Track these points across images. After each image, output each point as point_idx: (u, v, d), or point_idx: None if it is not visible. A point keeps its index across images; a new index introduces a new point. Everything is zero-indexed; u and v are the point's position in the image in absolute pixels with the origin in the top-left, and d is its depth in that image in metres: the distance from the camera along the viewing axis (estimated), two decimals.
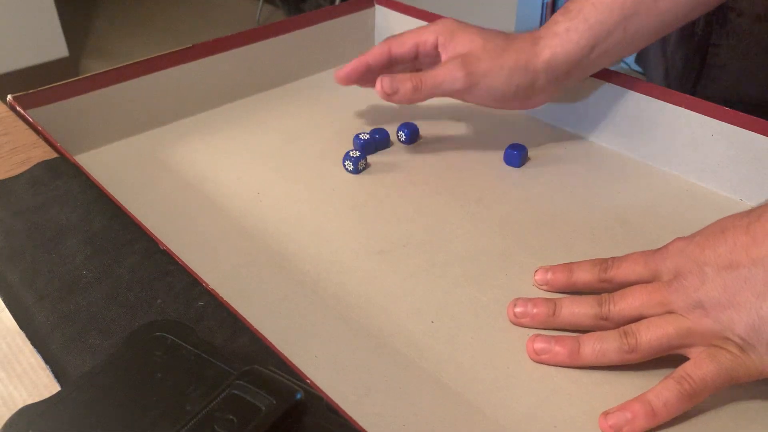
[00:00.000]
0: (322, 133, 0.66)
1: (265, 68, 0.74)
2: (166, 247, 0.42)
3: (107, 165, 0.61)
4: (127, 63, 0.64)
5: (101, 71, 0.63)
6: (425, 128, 0.67)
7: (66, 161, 0.50)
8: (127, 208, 0.46)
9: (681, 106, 0.58)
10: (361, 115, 0.70)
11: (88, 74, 0.63)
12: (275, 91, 0.75)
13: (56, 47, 2.36)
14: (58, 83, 0.61)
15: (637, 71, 2.15)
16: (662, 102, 0.59)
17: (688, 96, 0.57)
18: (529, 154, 0.63)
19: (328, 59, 0.79)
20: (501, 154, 0.63)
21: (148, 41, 2.75)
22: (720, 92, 1.39)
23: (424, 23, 0.76)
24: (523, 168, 0.61)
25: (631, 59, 2.22)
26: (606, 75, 0.62)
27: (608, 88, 0.62)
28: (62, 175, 0.48)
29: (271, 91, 0.75)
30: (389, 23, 0.80)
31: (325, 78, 0.77)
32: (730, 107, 0.56)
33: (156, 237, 0.43)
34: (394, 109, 0.70)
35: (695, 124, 0.57)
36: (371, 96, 0.73)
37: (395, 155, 0.63)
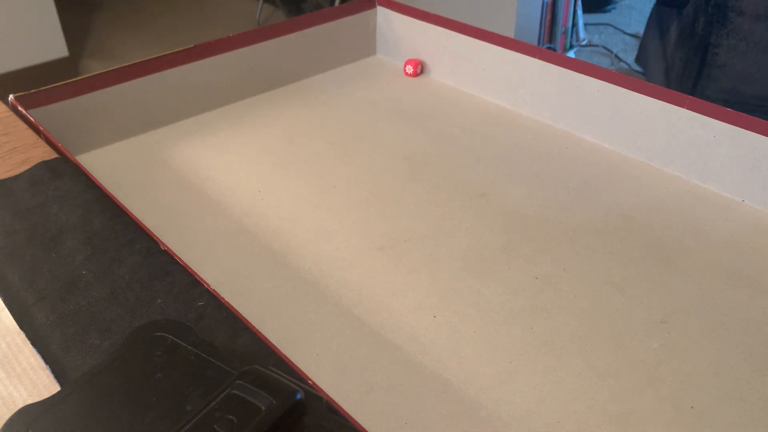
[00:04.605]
0: (323, 133, 0.66)
1: (266, 69, 0.74)
2: (166, 247, 0.42)
3: (108, 165, 0.61)
4: (129, 63, 0.64)
5: (102, 71, 0.63)
6: (428, 125, 0.67)
7: (66, 161, 0.50)
8: (128, 207, 0.45)
9: (683, 106, 0.58)
10: (363, 116, 0.70)
11: (89, 74, 0.62)
12: (277, 91, 0.75)
13: (56, 47, 2.36)
14: (60, 83, 0.61)
15: (637, 71, 2.15)
16: (663, 102, 0.59)
17: (689, 96, 0.57)
18: (530, 153, 0.63)
19: (329, 60, 0.79)
20: (503, 152, 0.62)
21: (148, 41, 2.75)
22: (720, 92, 1.39)
23: (426, 25, 0.77)
24: (524, 165, 0.61)
25: (631, 59, 2.22)
26: (607, 75, 0.62)
27: (609, 88, 0.62)
28: (62, 175, 0.48)
29: (273, 91, 0.75)
30: (391, 24, 0.80)
31: (326, 79, 0.77)
32: (730, 107, 0.56)
33: (156, 237, 0.43)
34: (394, 111, 0.70)
35: (697, 124, 0.57)
36: (373, 97, 0.73)
37: (395, 150, 0.63)
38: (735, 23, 1.43)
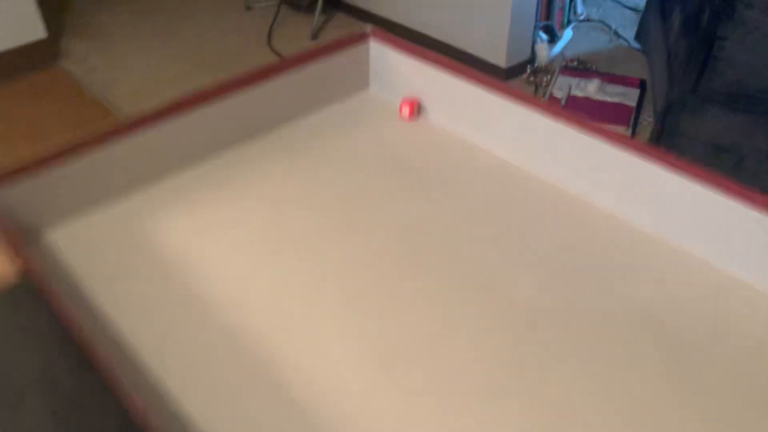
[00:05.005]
0: (314, 200, 0.61)
1: (252, 116, 0.68)
2: (142, 412, 0.37)
3: (77, 245, 0.56)
4: (93, 134, 0.58)
5: (63, 146, 0.57)
6: (427, 185, 0.62)
7: (29, 288, 0.45)
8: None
9: (708, 185, 0.53)
10: (357, 175, 0.64)
11: (53, 150, 0.57)
12: (267, 138, 0.69)
13: (32, 28, 2.25)
14: (21, 164, 0.56)
15: (636, 48, 2.08)
16: (692, 181, 0.54)
17: (721, 178, 0.52)
18: (536, 225, 0.58)
19: (321, 99, 0.73)
20: (509, 225, 0.58)
21: (132, 17, 2.64)
22: (725, 86, 1.34)
23: (419, 61, 0.70)
24: (531, 243, 0.56)
25: (630, 36, 2.15)
26: (621, 140, 0.57)
27: (623, 155, 0.57)
28: (24, 306, 0.43)
29: (266, 137, 0.69)
30: (385, 58, 0.74)
31: (318, 122, 0.71)
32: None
33: (130, 398, 0.38)
34: (390, 167, 0.65)
35: (721, 204, 0.52)
36: (367, 150, 0.67)
37: (392, 221, 0.58)
38: (743, 15, 1.37)
